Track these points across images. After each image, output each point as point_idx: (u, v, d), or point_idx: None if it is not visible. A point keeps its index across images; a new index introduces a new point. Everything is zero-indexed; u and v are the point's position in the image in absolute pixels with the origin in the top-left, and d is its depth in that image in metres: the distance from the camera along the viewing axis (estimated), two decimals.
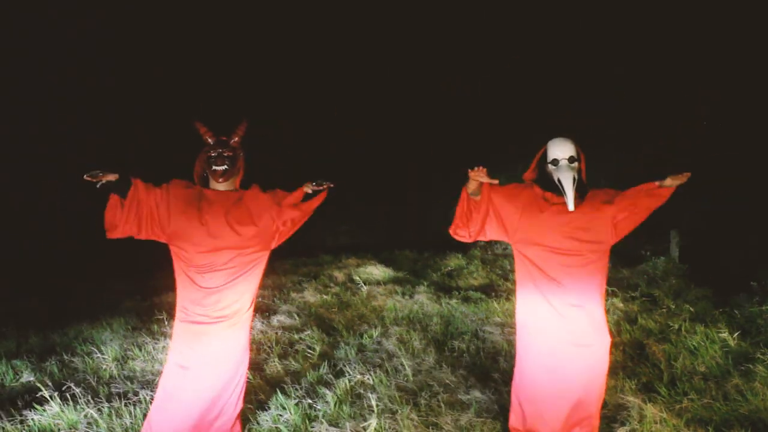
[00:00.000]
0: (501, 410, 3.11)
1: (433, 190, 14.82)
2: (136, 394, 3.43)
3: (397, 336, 4.59)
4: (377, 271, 7.91)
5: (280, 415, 3.12)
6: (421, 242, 11.57)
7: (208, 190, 2.54)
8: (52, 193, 11.12)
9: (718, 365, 3.67)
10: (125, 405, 3.22)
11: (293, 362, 4.07)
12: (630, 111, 13.51)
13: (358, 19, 14.31)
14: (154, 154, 11.44)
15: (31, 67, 11.36)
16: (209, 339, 2.44)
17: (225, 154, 2.50)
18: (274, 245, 2.59)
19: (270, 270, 8.50)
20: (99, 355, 4.23)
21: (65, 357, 4.26)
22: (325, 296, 6.38)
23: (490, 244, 10.67)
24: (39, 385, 3.51)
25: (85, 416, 3.09)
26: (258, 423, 3.08)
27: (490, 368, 3.88)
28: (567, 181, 2.35)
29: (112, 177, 2.32)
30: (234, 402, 2.55)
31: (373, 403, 3.14)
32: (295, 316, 5.42)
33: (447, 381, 3.57)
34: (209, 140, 2.53)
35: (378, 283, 7.14)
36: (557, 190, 2.43)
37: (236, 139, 2.57)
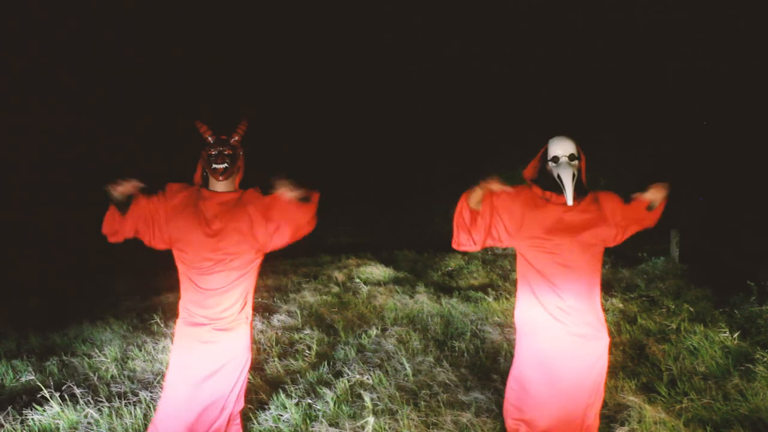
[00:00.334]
0: (501, 410, 3.11)
1: (433, 190, 14.84)
2: (136, 394, 3.44)
3: (397, 336, 4.60)
4: (377, 271, 7.91)
5: (281, 415, 3.12)
6: (421, 242, 11.58)
7: (206, 191, 2.54)
8: (52, 193, 11.12)
9: (718, 365, 3.67)
10: (125, 405, 3.22)
11: (293, 362, 4.07)
12: (630, 111, 13.51)
13: (357, 19, 14.31)
14: (153, 155, 11.44)
15: (31, 66, 11.36)
16: (211, 340, 2.44)
17: (225, 153, 2.50)
18: (269, 249, 2.58)
19: (270, 270, 8.52)
20: (99, 355, 4.23)
21: (65, 357, 4.27)
22: (325, 296, 6.38)
23: None
24: (39, 385, 3.51)
25: (86, 416, 3.09)
26: (258, 423, 3.09)
27: (490, 368, 3.88)
28: (566, 177, 2.38)
29: (131, 189, 2.36)
30: (233, 401, 2.55)
31: (368, 402, 3.14)
32: (296, 315, 5.43)
33: (447, 381, 3.58)
34: (209, 139, 2.53)
35: (378, 283, 7.14)
36: (557, 189, 2.44)
37: (236, 137, 2.57)
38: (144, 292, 6.78)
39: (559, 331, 2.42)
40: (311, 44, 14.43)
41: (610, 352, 2.50)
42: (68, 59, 11.61)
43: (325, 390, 3.39)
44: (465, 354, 4.19)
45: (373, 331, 4.73)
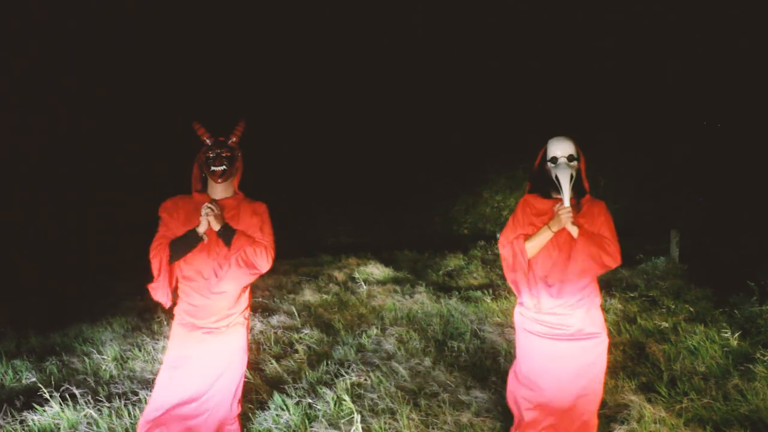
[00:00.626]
0: (501, 410, 3.11)
1: (433, 190, 14.83)
2: (136, 394, 3.44)
3: (397, 336, 4.60)
4: (377, 270, 7.91)
5: (280, 416, 3.12)
6: (421, 242, 11.58)
7: (203, 195, 2.54)
8: (52, 193, 11.12)
9: (718, 365, 3.67)
10: (125, 405, 3.22)
11: (293, 362, 4.07)
12: (630, 111, 13.51)
13: (357, 19, 14.31)
14: (153, 155, 11.45)
15: (31, 66, 11.37)
16: (204, 341, 2.44)
17: (223, 155, 2.50)
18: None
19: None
20: (99, 355, 4.23)
21: (65, 357, 4.27)
22: (324, 296, 6.38)
23: (490, 243, 10.67)
24: (39, 385, 3.51)
25: (85, 416, 3.09)
26: (258, 423, 3.08)
27: (490, 368, 3.88)
28: (564, 178, 2.38)
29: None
30: (222, 401, 2.51)
31: (349, 403, 3.14)
32: (295, 315, 5.43)
33: (446, 381, 3.58)
34: (207, 141, 2.53)
35: (378, 282, 7.14)
36: (556, 189, 2.45)
37: (234, 139, 2.57)
38: (144, 292, 6.76)
39: (559, 332, 2.42)
40: (311, 44, 14.44)
41: (610, 352, 2.50)
42: (68, 59, 11.60)
43: (325, 390, 3.39)
44: (465, 354, 4.19)
45: (373, 331, 4.73)
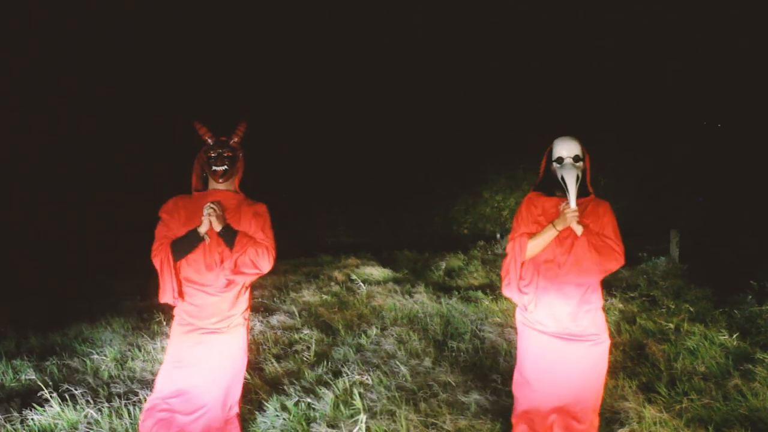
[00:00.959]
0: (501, 410, 3.11)
1: (433, 190, 14.83)
2: (136, 394, 3.44)
3: (397, 336, 4.60)
4: (377, 271, 7.91)
5: (279, 416, 3.12)
6: (421, 242, 11.57)
7: (203, 195, 2.53)
8: (52, 193, 11.12)
9: (718, 365, 3.67)
10: (125, 405, 3.22)
11: (292, 362, 4.07)
12: (630, 111, 13.50)
13: (357, 19, 14.31)
14: (153, 155, 11.45)
15: (31, 66, 11.36)
16: (203, 342, 2.44)
17: (225, 155, 2.50)
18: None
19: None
20: (98, 355, 4.23)
21: (65, 357, 4.27)
22: (324, 296, 6.38)
23: (490, 243, 10.68)
24: (39, 385, 3.51)
25: (85, 416, 3.09)
26: (257, 423, 3.08)
27: (490, 368, 3.88)
28: (570, 179, 2.36)
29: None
30: (221, 401, 2.51)
31: (358, 402, 3.13)
32: (295, 316, 5.42)
33: (446, 381, 3.57)
34: (209, 141, 2.53)
35: (378, 283, 7.14)
36: (561, 189, 2.43)
37: (236, 139, 2.57)
38: (144, 292, 6.78)
39: (560, 333, 2.42)
40: (311, 44, 14.43)
41: (610, 353, 2.50)
42: (68, 59, 11.60)
43: (325, 390, 3.39)
44: (464, 354, 4.19)
45: (373, 331, 4.73)
